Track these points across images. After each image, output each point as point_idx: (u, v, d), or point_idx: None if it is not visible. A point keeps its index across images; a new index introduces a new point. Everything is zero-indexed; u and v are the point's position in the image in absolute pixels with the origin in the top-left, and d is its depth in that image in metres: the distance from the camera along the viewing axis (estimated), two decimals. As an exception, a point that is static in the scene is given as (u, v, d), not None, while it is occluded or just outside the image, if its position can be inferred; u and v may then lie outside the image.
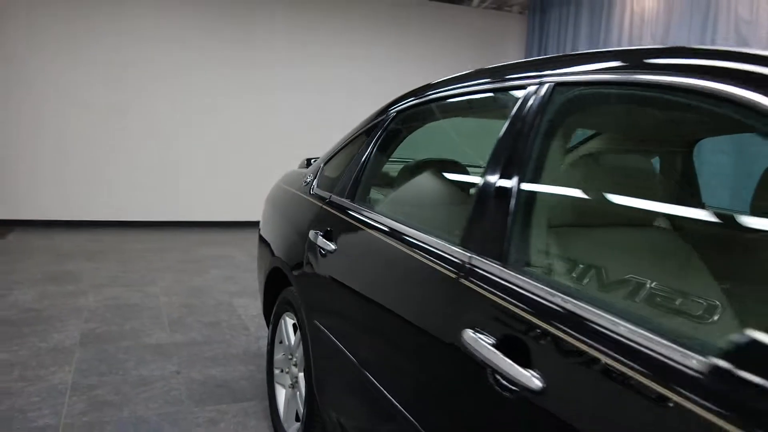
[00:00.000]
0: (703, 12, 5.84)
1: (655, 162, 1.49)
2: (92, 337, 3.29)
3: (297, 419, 2.10)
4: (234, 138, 6.93)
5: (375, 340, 1.49)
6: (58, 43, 6.22)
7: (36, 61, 6.18)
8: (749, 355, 0.67)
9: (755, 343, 0.68)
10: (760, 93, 0.80)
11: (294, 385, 2.17)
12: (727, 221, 1.29)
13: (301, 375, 2.05)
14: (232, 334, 3.44)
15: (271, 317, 2.42)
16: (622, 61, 1.08)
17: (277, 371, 2.36)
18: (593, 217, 1.27)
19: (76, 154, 6.44)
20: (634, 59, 1.07)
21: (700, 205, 1.59)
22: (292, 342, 2.19)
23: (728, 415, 0.66)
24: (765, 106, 0.79)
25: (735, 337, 0.72)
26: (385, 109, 1.95)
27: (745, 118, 0.83)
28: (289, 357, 2.22)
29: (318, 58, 7.18)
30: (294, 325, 2.20)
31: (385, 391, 1.38)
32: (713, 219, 1.28)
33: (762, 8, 5.40)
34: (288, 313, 2.23)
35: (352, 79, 7.29)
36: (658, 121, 1.32)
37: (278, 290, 2.36)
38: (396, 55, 7.53)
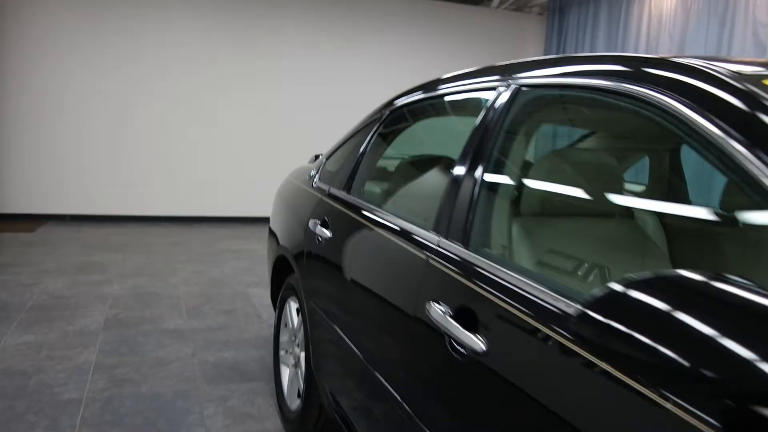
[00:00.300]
0: (721, 15, 5.87)
1: (603, 156, 1.62)
2: (115, 322, 3.51)
3: (298, 396, 2.27)
4: (257, 135, 7.16)
5: (360, 318, 1.64)
6: (74, 39, 6.51)
7: (53, 59, 6.48)
8: (632, 308, 0.80)
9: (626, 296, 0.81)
10: (682, 100, 0.93)
11: (296, 365, 2.34)
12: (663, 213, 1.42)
13: (302, 354, 2.22)
14: (245, 321, 3.63)
15: (278, 302, 2.60)
16: (573, 66, 1.23)
17: (282, 352, 2.53)
18: (546, 208, 1.42)
19: (100, 151, 6.74)
20: (580, 64, 1.21)
21: (641, 194, 1.71)
22: (295, 324, 2.36)
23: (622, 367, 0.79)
24: (684, 113, 0.91)
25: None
26: (379, 110, 2.11)
27: (668, 122, 0.95)
28: (293, 339, 2.39)
29: (336, 58, 7.38)
30: (297, 309, 2.37)
31: (367, 364, 1.54)
32: (649, 206, 1.41)
33: (779, 10, 5.42)
34: (292, 297, 2.40)
35: (371, 79, 7.46)
36: (597, 119, 1.46)
37: (284, 277, 2.54)
38: (414, 55, 7.68)
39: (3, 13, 6.30)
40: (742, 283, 0.66)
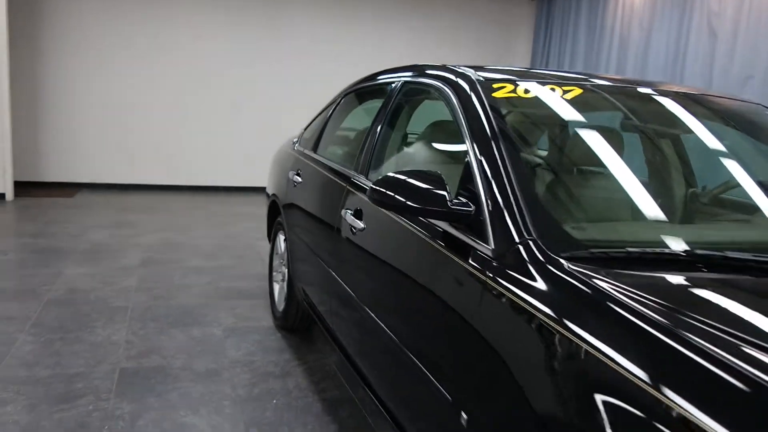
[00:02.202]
0: (681, 5, 6.63)
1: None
2: (149, 262, 4.53)
3: (284, 300, 3.24)
4: (276, 111, 8.08)
5: (315, 232, 2.60)
6: (108, 18, 7.50)
7: (87, 41, 7.47)
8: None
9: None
10: (444, 86, 1.85)
11: (283, 279, 3.31)
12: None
13: (286, 270, 3.19)
14: (252, 263, 4.62)
15: (271, 237, 3.57)
16: (415, 72, 2.15)
17: (274, 273, 3.51)
18: (408, 150, 2.34)
19: (128, 125, 7.75)
20: (420, 69, 2.13)
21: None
22: (282, 250, 3.33)
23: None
24: (447, 92, 1.83)
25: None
26: (340, 93, 3.04)
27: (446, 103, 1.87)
28: (281, 261, 3.36)
29: (336, 41, 8.28)
30: (284, 240, 3.33)
31: (320, 261, 2.49)
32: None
33: (729, 1, 6.18)
34: (280, 231, 3.37)
35: (365, 60, 8.35)
36: (419, 98, 2.37)
37: (275, 217, 3.50)
38: (407, 37, 8.53)
39: None
40: (424, 172, 1.56)
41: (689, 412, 0.83)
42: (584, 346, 1.03)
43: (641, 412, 0.89)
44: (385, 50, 8.45)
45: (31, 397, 2.45)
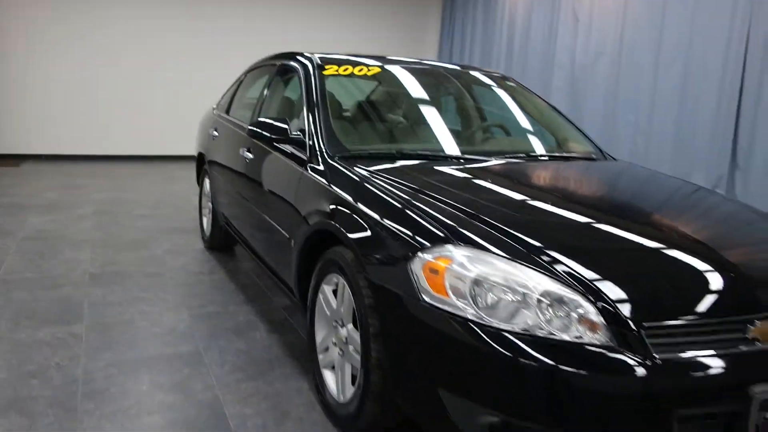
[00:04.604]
0: (551, -8, 8.06)
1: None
2: (100, 212, 5.63)
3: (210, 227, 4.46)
4: (207, 86, 9.13)
5: (227, 169, 3.81)
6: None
7: (31, 9, 8.33)
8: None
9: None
10: (296, 66, 3.11)
11: (209, 212, 4.51)
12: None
13: (210, 204, 4.40)
14: (188, 211, 5.79)
15: (200, 182, 4.77)
16: (287, 57, 3.39)
17: (203, 209, 4.71)
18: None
19: (70, 97, 8.66)
20: (287, 55, 3.37)
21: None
22: (207, 190, 4.53)
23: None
24: (297, 68, 3.07)
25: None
26: (245, 70, 4.25)
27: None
28: (207, 198, 4.57)
29: (259, 19, 9.39)
30: (209, 181, 4.52)
31: (232, 188, 3.71)
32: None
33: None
34: (206, 177, 4.56)
35: (292, 44, 9.51)
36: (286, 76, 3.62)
37: (201, 166, 4.70)
38: (324, 26, 9.71)
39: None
40: (277, 118, 2.82)
41: (393, 226, 2.08)
42: (335, 190, 2.32)
43: (358, 218, 2.18)
44: (311, 37, 9.61)
45: (27, 287, 3.60)
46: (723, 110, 6.28)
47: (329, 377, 2.33)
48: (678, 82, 6.73)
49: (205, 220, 4.68)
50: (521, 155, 2.87)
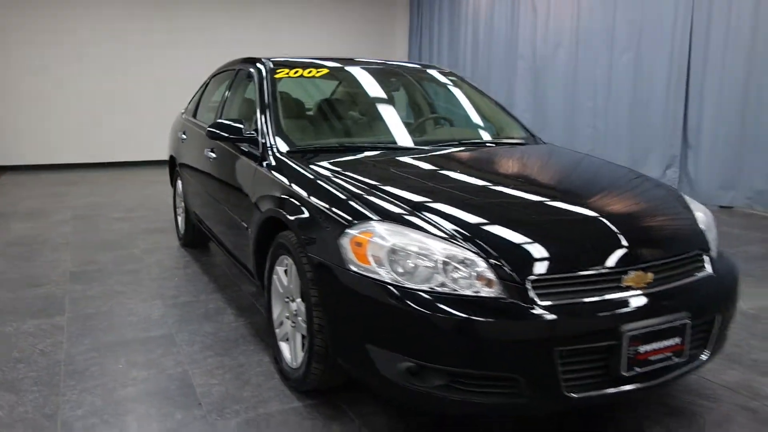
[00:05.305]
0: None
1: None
2: (79, 217, 5.90)
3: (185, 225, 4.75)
4: (181, 93, 9.38)
5: (196, 171, 4.10)
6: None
7: None
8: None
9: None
10: (250, 69, 3.41)
11: (183, 211, 4.80)
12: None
13: (183, 203, 4.69)
14: (164, 213, 6.07)
15: (174, 184, 5.06)
16: (244, 62, 3.69)
17: (177, 209, 5.00)
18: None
19: (44, 109, 8.89)
20: (245, 60, 3.67)
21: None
22: (180, 190, 4.82)
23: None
24: (252, 72, 3.37)
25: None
26: (210, 75, 4.54)
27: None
28: (180, 198, 4.85)
29: (234, 25, 9.66)
30: (181, 184, 4.81)
31: (200, 186, 4.00)
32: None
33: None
34: (179, 178, 4.85)
35: (263, 48, 9.79)
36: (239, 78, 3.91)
37: (174, 168, 4.99)
38: (293, 29, 10.02)
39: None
40: (234, 119, 3.12)
41: (328, 208, 2.38)
42: (282, 181, 2.63)
43: (300, 204, 2.49)
44: (282, 39, 9.89)
45: (10, 287, 3.87)
46: (672, 93, 6.66)
47: (285, 348, 2.64)
48: (631, 68, 7.10)
49: (179, 219, 4.97)
50: (456, 143, 3.20)
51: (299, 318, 2.45)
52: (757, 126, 5.92)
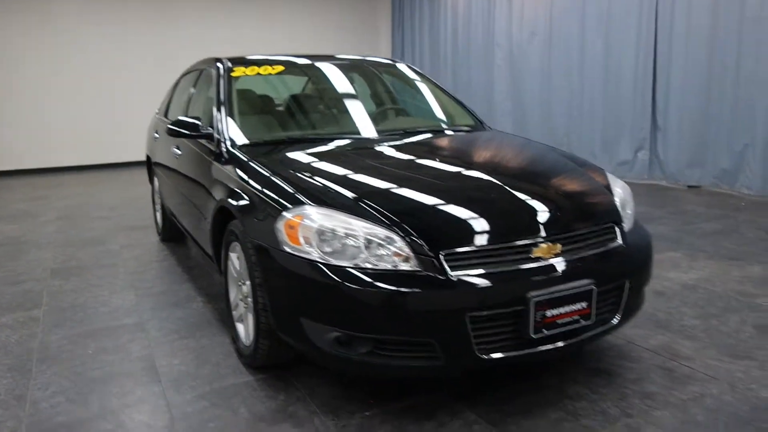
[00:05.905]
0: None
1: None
2: (63, 217, 6.11)
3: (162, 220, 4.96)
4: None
5: (166, 168, 4.30)
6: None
7: None
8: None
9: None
10: (217, 66, 3.60)
11: (161, 207, 5.01)
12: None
13: (159, 200, 4.89)
14: (147, 211, 6.27)
15: (151, 181, 5.27)
16: (207, 62, 3.88)
17: (156, 205, 5.21)
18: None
19: (31, 114, 9.09)
20: (208, 60, 3.86)
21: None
22: (157, 187, 5.02)
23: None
24: (217, 71, 3.57)
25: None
26: (180, 75, 4.73)
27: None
28: (157, 195, 5.06)
29: (221, 26, 9.84)
30: (157, 181, 5.01)
31: (171, 182, 4.20)
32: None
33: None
34: (155, 176, 5.05)
35: (248, 49, 9.97)
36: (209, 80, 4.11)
37: (151, 167, 5.19)
38: (272, 26, 10.18)
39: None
40: (192, 117, 3.32)
41: (267, 195, 2.59)
42: (232, 173, 2.83)
43: (244, 194, 2.69)
44: (264, 37, 10.08)
45: (-6, 284, 4.10)
46: (641, 78, 6.83)
47: (240, 328, 2.84)
48: (601, 55, 7.27)
49: (158, 215, 5.18)
50: (402, 132, 3.39)
51: (249, 299, 2.65)
52: (721, 108, 6.09)
